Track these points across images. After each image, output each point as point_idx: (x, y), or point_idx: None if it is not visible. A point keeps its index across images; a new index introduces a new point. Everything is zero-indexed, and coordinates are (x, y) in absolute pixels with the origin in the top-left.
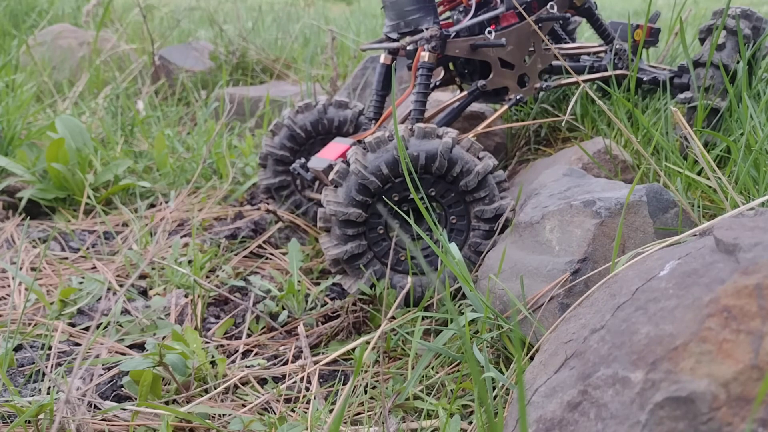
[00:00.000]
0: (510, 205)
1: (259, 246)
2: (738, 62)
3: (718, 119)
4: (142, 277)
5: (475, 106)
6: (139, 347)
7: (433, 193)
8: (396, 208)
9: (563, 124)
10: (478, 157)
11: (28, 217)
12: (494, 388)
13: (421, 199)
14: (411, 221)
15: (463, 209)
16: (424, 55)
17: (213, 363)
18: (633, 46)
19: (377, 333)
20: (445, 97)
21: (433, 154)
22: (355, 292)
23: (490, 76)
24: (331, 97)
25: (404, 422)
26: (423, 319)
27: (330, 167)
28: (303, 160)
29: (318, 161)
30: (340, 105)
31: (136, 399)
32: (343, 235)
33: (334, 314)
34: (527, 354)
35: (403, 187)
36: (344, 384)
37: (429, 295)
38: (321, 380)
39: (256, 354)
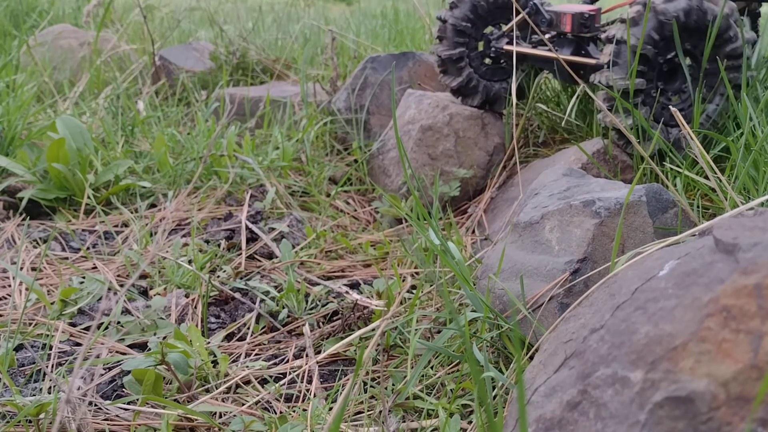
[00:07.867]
0: (753, 36)
1: (253, 254)
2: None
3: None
4: (143, 276)
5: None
6: (140, 347)
7: (691, 49)
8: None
9: (563, 124)
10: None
11: (29, 217)
12: (494, 388)
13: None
14: (686, 69)
15: (714, 59)
16: None
17: (215, 362)
18: None
19: (379, 330)
20: (449, 99)
21: (687, 9)
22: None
23: None
24: None
25: (404, 421)
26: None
27: (581, 14)
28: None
29: (567, 7)
30: None
31: (137, 398)
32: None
33: (335, 314)
34: (527, 354)
35: (668, 48)
36: (344, 383)
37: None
38: (321, 380)
39: (257, 354)
